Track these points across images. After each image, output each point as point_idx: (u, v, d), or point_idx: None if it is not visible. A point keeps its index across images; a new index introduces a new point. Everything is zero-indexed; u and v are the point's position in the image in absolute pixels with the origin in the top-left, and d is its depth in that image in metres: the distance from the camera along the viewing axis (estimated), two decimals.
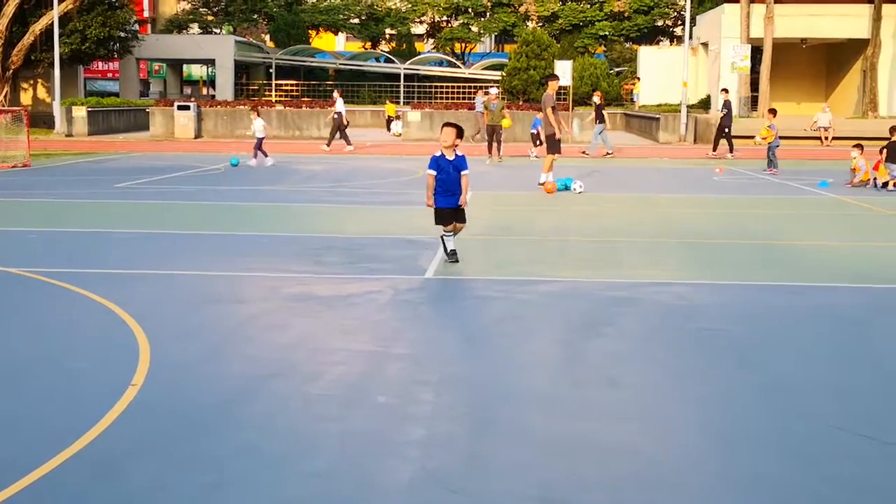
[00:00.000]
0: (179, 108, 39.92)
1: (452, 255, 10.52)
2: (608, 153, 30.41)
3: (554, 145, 19.10)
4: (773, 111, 25.18)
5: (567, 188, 18.69)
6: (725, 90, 31.24)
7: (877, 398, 6.03)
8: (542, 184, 18.84)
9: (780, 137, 24.56)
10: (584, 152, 31.32)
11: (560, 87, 37.96)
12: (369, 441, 5.24)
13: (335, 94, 32.77)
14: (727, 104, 30.37)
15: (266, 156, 25.27)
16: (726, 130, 30.31)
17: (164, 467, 4.84)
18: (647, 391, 6.18)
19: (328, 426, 5.46)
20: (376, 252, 11.40)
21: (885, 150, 19.89)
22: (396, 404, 5.87)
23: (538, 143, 28.33)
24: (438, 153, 10.30)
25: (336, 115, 31.90)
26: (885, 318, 8.26)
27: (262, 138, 25.70)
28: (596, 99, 31.71)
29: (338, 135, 32.01)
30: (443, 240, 10.63)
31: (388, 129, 45.92)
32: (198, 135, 39.75)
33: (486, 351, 7.23)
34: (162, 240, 12.35)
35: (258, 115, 26.65)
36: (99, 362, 6.70)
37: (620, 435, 5.36)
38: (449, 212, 10.44)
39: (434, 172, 10.29)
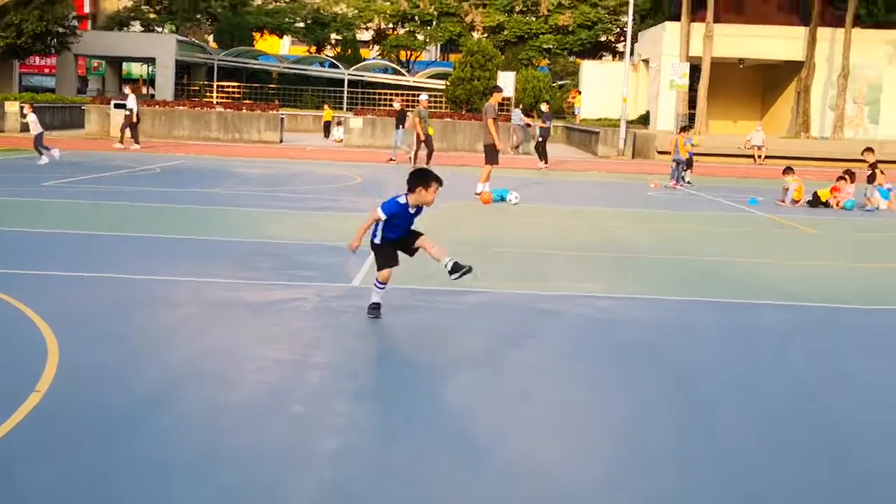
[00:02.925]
0: (116, 105, 39.20)
1: (375, 309, 8.33)
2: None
3: (492, 156, 19.15)
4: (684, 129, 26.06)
5: (503, 199, 18.71)
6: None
7: (788, 411, 6.06)
8: (479, 194, 18.85)
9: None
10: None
11: (504, 99, 38.30)
12: (280, 453, 5.14)
13: (127, 90, 33.28)
14: (547, 117, 32.13)
15: (49, 149, 24.38)
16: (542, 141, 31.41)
17: (64, 478, 4.68)
18: (559, 406, 6.16)
19: (239, 437, 5.35)
20: (306, 259, 11.29)
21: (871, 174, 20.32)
22: (310, 414, 5.78)
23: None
24: (403, 201, 8.07)
25: (128, 112, 32.08)
26: (802, 333, 8.34)
27: (41, 133, 24.82)
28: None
29: (129, 132, 32.28)
30: (375, 290, 8.40)
31: (326, 135, 45.72)
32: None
33: (404, 361, 7.17)
34: (85, 241, 12.11)
35: (32, 109, 25.90)
36: (2, 367, 6.50)
37: (528, 450, 5.32)
38: (396, 245, 8.28)
39: (385, 217, 8.10)
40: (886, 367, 7.46)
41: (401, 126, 30.93)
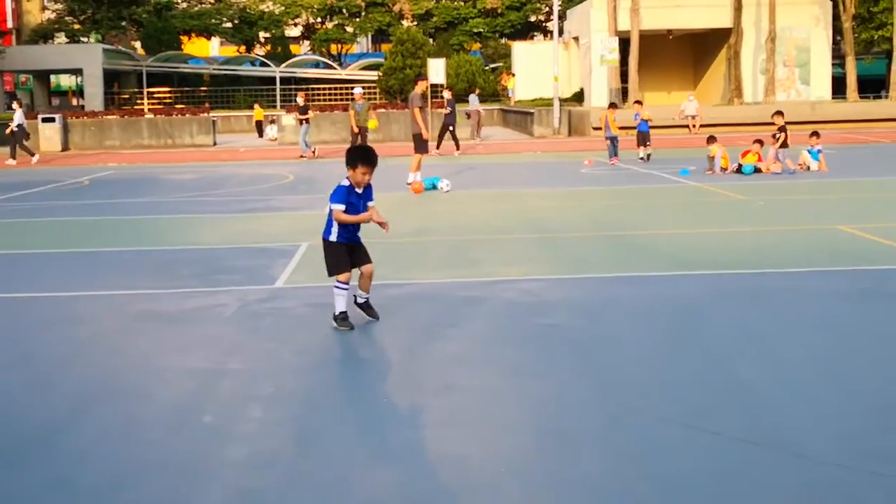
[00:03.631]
0: (44, 120, 38.66)
1: (343, 321, 7.84)
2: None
3: (421, 145, 19.10)
4: (639, 102, 25.72)
5: (434, 187, 18.66)
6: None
7: (705, 389, 6.07)
8: (410, 183, 18.78)
9: (651, 127, 25.10)
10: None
11: (436, 85, 38.16)
12: (189, 465, 5.05)
13: (14, 105, 32.93)
14: (451, 102, 31.78)
15: None
16: (451, 128, 31.30)
17: None
18: (481, 394, 6.11)
19: (149, 452, 5.25)
20: (229, 263, 11.14)
21: (780, 138, 20.34)
22: (222, 424, 5.69)
23: None
24: (346, 183, 7.87)
25: (16, 128, 31.56)
26: (722, 304, 8.38)
27: None
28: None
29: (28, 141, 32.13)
30: (337, 294, 7.90)
31: (260, 135, 45.35)
32: (65, 147, 38.60)
33: (323, 361, 7.10)
34: (2, 261, 11.87)
35: None
36: None
37: (447, 442, 5.27)
38: (348, 249, 7.94)
39: (342, 207, 7.84)
40: (803, 329, 7.52)
41: (305, 122, 30.69)
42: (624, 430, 5.38)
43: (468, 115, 38.62)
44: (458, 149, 30.84)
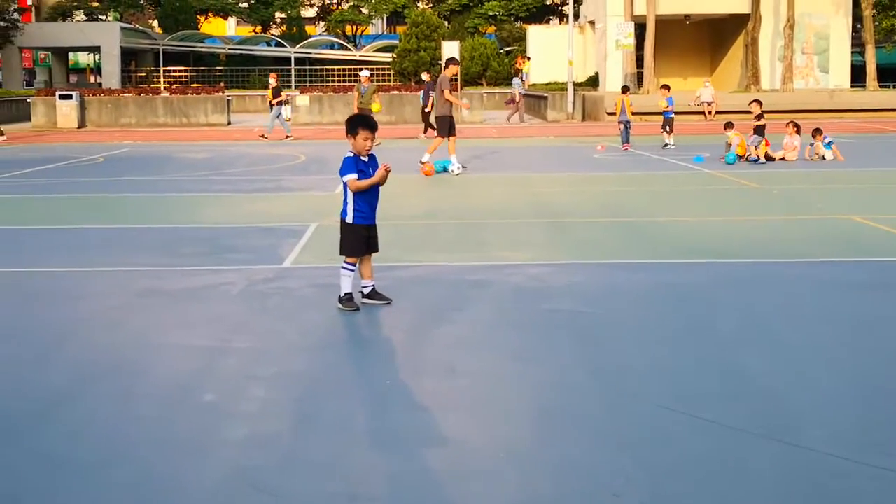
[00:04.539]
0: (61, 97, 38.70)
1: (349, 301, 7.79)
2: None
3: (445, 128, 18.98)
4: (666, 86, 25.37)
5: (445, 170, 18.60)
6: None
7: (706, 377, 6.02)
8: (424, 163, 18.77)
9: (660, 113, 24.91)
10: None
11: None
12: (187, 443, 5.04)
13: None
14: (429, 85, 30.86)
15: None
16: (427, 111, 30.64)
17: None
18: (483, 378, 6.08)
19: (146, 429, 5.24)
20: (236, 242, 11.14)
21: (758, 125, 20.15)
22: (223, 402, 5.67)
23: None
24: (351, 155, 7.77)
25: None
26: (729, 292, 8.32)
27: None
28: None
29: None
30: (344, 275, 7.83)
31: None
32: (82, 124, 38.62)
33: (327, 342, 7.07)
34: (13, 236, 11.89)
35: None
36: None
37: (448, 426, 5.24)
38: (367, 231, 7.89)
39: (355, 175, 7.73)
40: (811, 320, 7.46)
41: (280, 104, 30.32)
42: (622, 416, 5.34)
43: (511, 100, 38.43)
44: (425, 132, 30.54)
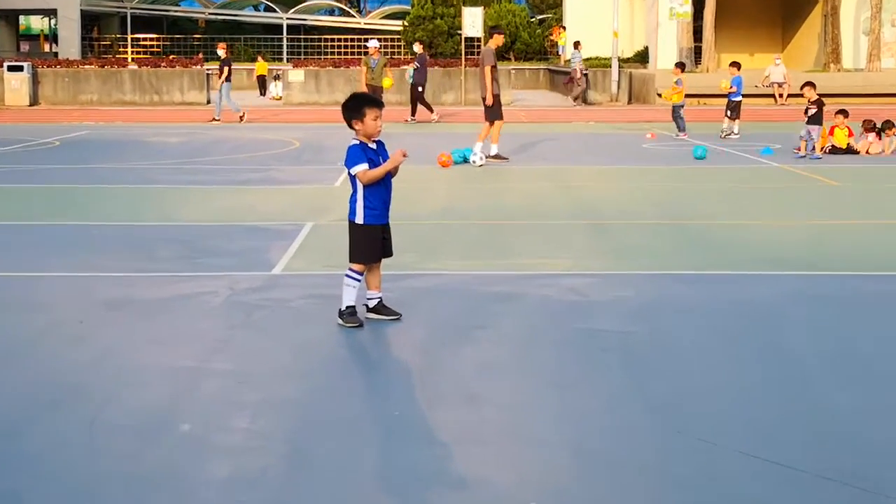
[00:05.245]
0: (10, 69, 38.98)
1: (351, 316, 7.83)
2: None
3: (493, 111, 19.05)
4: (735, 64, 25.24)
5: (465, 160, 18.65)
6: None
7: (778, 412, 6.02)
8: (494, 156, 19.08)
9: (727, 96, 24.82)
10: None
11: (472, 39, 38.17)
12: (161, 482, 5.07)
13: None
14: (421, 58, 31.15)
15: None
16: (420, 90, 30.73)
17: None
18: (510, 409, 6.10)
19: (115, 465, 5.27)
20: (218, 243, 11.21)
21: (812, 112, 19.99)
22: (202, 434, 5.70)
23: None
24: (357, 142, 7.76)
25: None
26: (805, 310, 8.32)
27: None
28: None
29: None
30: (347, 284, 7.84)
31: (262, 92, 45.48)
32: (34, 101, 38.88)
33: (325, 364, 7.10)
34: None
35: None
36: None
37: (467, 463, 5.26)
38: (382, 231, 7.92)
39: (365, 166, 7.69)
40: None
41: (222, 78, 30.22)
42: (676, 455, 5.35)
43: (570, 79, 38.41)
44: (432, 112, 30.55)
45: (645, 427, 5.78)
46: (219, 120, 30.21)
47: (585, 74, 38.78)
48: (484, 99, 19.25)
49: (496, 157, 19.21)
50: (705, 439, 5.55)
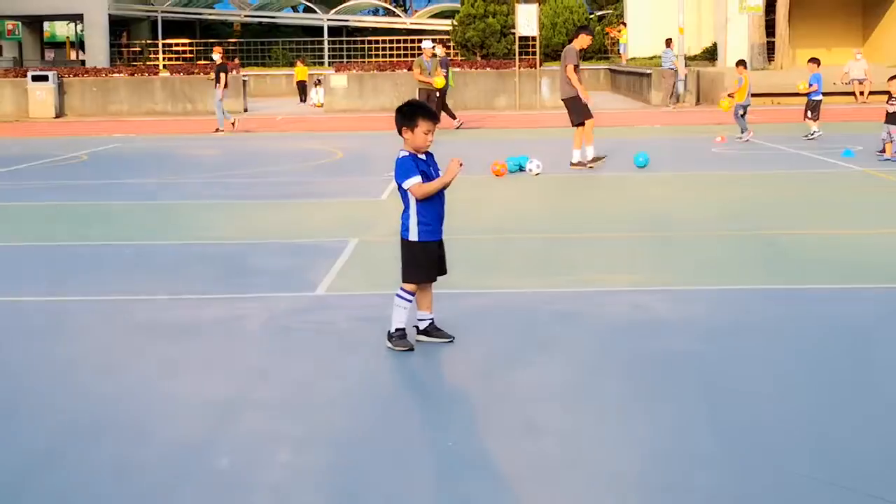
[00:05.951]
0: (34, 78, 39.55)
1: (401, 339, 7.82)
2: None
3: (578, 112, 19.05)
4: (814, 60, 25.05)
5: (521, 169, 18.62)
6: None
7: (875, 444, 5.91)
8: (590, 162, 19.20)
9: (804, 95, 24.63)
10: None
11: (526, 38, 38.17)
12: None
13: None
14: (444, 62, 30.83)
15: None
16: (439, 96, 30.31)
17: None
18: (573, 439, 6.06)
19: (147, 503, 5.27)
20: (256, 262, 11.26)
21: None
22: (241, 470, 5.69)
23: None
24: (406, 153, 7.77)
25: None
26: None
27: None
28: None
29: None
30: (398, 305, 7.84)
31: (302, 99, 45.76)
32: (60, 113, 39.42)
33: (373, 391, 7.07)
34: None
35: None
36: None
37: (527, 499, 5.21)
38: (438, 248, 7.94)
39: (419, 179, 7.68)
40: None
41: (218, 85, 30.16)
42: (759, 491, 5.26)
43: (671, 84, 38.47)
44: (454, 118, 30.55)
45: (723, 458, 5.70)
46: (222, 130, 30.32)
47: (678, 74, 38.69)
48: (567, 100, 19.30)
49: (594, 160, 19.28)
50: (792, 473, 5.45)
